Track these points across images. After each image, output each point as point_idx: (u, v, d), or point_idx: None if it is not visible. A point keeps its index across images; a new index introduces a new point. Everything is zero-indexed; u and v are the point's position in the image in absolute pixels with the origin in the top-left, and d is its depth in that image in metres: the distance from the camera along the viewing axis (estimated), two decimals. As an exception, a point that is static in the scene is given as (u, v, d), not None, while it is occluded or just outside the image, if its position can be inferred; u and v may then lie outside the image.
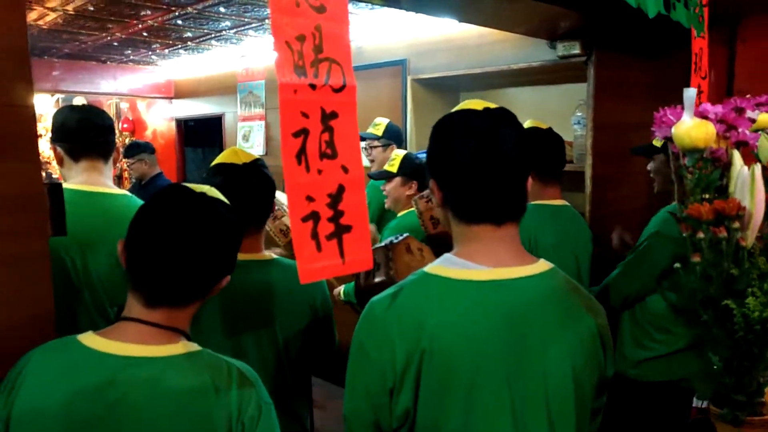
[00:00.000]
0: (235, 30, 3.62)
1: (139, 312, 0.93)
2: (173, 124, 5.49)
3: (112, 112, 5.83)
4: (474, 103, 0.97)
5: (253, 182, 1.42)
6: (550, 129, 1.95)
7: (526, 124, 1.93)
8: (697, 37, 1.77)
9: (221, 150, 5.12)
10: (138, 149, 4.08)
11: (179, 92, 5.35)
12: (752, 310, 0.78)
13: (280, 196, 2.18)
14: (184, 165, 5.70)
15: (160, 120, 5.66)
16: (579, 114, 2.59)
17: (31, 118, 1.06)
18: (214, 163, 1.47)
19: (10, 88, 1.02)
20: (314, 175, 0.84)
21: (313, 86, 0.85)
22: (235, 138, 4.65)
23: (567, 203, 1.99)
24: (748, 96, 1.46)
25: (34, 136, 1.05)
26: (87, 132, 1.75)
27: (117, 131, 5.66)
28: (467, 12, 2.25)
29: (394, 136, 2.85)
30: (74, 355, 0.89)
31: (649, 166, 2.13)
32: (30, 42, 1.07)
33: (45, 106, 5.45)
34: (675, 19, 1.66)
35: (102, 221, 1.70)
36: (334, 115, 0.87)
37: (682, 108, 0.94)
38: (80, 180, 1.75)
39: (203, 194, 0.98)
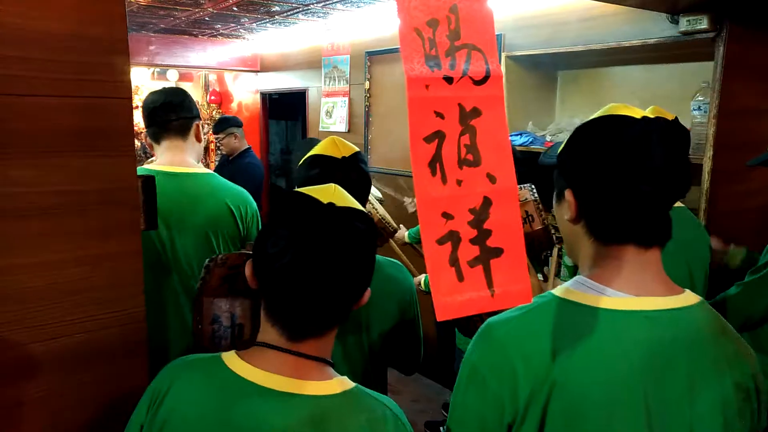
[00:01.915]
0: (322, 4, 3.53)
1: (280, 341, 0.84)
2: (258, 97, 5.55)
3: (200, 84, 5.99)
4: (626, 109, 0.85)
5: (350, 178, 1.34)
6: (676, 120, 1.70)
7: (649, 111, 1.70)
8: None
9: (304, 124, 5.15)
10: (228, 123, 4.14)
11: (265, 66, 5.39)
12: None
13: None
14: (268, 138, 5.77)
15: (245, 93, 5.74)
16: (700, 98, 2.31)
17: (129, 111, 1.03)
18: (312, 152, 1.40)
19: (107, 80, 0.99)
20: (453, 187, 0.72)
21: (449, 79, 0.72)
22: (319, 113, 4.61)
23: (683, 205, 1.78)
24: None
25: (131, 130, 1.03)
26: (159, 114, 1.77)
27: (205, 103, 5.82)
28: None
29: None
30: (224, 382, 0.82)
31: None
32: (129, 18, 1.02)
33: (142, 78, 5.67)
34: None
35: (186, 201, 1.72)
36: (476, 112, 0.74)
37: None
38: (163, 161, 1.78)
39: (332, 205, 0.84)
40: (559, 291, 0.85)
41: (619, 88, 2.90)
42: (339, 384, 0.86)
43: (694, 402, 0.78)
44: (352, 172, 1.36)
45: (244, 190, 1.87)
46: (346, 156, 1.36)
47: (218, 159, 4.92)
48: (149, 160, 2.24)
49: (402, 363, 1.50)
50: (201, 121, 1.89)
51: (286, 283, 0.82)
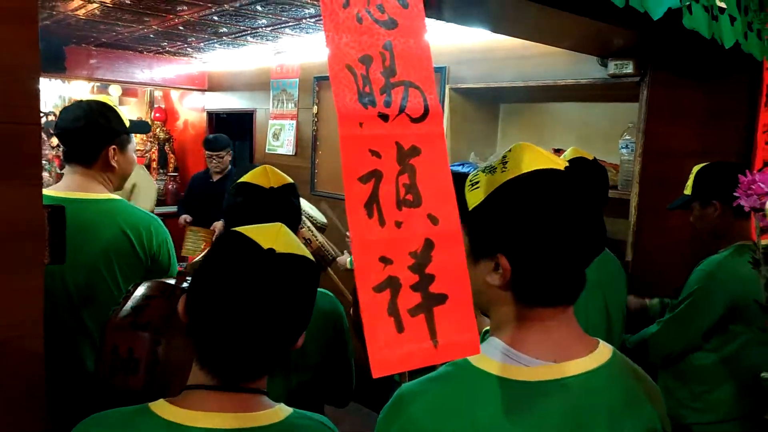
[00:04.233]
0: (271, 28, 3.54)
1: (212, 383, 0.83)
2: (204, 116, 5.46)
3: (145, 101, 5.84)
4: (544, 158, 0.80)
5: (275, 210, 1.30)
6: (595, 161, 1.78)
7: (569, 152, 1.77)
8: (771, 68, 1.62)
9: (251, 145, 5.06)
10: (226, 141, 4.07)
11: (212, 84, 5.32)
12: None
13: (302, 203, 2.08)
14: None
15: (192, 111, 5.64)
16: (627, 137, 2.44)
17: (37, 137, 0.95)
18: (241, 179, 1.37)
19: (15, 104, 0.92)
20: (391, 230, 0.66)
21: (385, 117, 0.67)
22: (266, 135, 4.59)
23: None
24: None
25: (38, 157, 0.94)
26: (62, 138, 1.65)
27: (149, 120, 5.68)
28: (507, 25, 2.13)
29: None
30: None
31: (691, 218, 1.96)
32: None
33: (82, 93, 5.48)
34: (747, 51, 1.52)
35: (78, 230, 1.51)
36: (415, 150, 0.69)
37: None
38: (61, 185, 1.65)
39: (272, 252, 0.82)
40: (475, 360, 0.79)
41: (556, 123, 3.03)
42: (281, 411, 0.87)
43: None
44: (278, 204, 1.32)
45: (152, 217, 1.74)
46: (275, 187, 1.34)
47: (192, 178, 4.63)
48: None
49: (333, 396, 1.48)
50: (130, 142, 1.75)
51: (216, 329, 0.81)
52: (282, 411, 0.87)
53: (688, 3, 1.29)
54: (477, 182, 0.83)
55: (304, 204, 2.10)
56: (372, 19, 0.70)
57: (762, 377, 0.77)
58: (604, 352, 0.84)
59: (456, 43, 3.12)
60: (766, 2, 1.64)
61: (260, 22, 3.40)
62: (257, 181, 1.35)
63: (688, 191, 1.92)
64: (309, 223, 2.02)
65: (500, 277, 0.78)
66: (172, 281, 1.17)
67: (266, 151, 4.58)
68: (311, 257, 0.90)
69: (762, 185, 0.82)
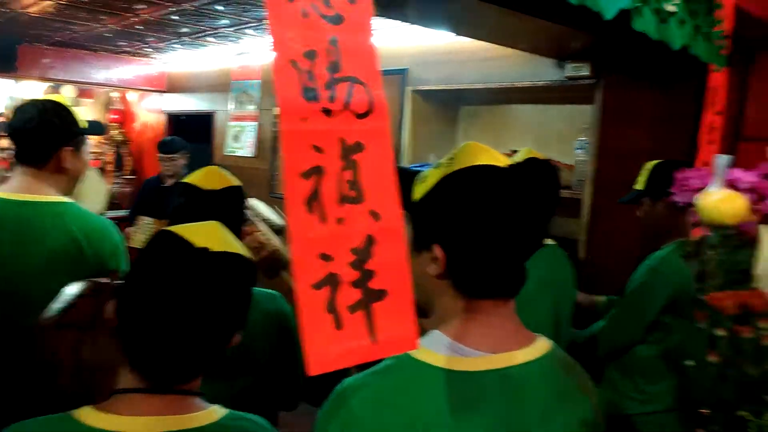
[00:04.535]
0: (233, 28, 3.50)
1: (143, 386, 0.81)
2: (163, 118, 5.35)
3: (101, 102, 5.69)
4: (488, 155, 0.83)
5: (215, 213, 1.28)
6: (547, 161, 1.81)
7: (523, 153, 1.80)
8: (716, 71, 1.68)
9: (211, 147, 4.95)
10: (183, 144, 3.91)
11: (172, 86, 5.22)
12: (774, 425, 0.69)
13: (257, 205, 2.05)
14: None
15: (150, 113, 5.52)
16: (583, 138, 2.50)
17: None
18: (185, 179, 1.36)
19: None
20: (332, 226, 0.65)
21: (328, 112, 0.67)
22: (225, 136, 4.52)
23: (553, 242, 1.83)
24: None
25: None
26: (13, 137, 1.58)
27: (105, 121, 5.54)
28: (464, 26, 2.15)
29: None
30: None
31: (639, 212, 2.02)
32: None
33: (34, 94, 5.31)
34: (693, 53, 1.56)
35: (22, 234, 1.51)
36: (358, 147, 0.68)
37: (708, 171, 0.84)
38: (7, 186, 1.57)
39: (205, 250, 0.81)
40: (417, 351, 0.79)
41: (515, 125, 3.07)
42: (216, 412, 0.85)
43: None
44: (219, 206, 1.29)
45: (105, 221, 1.68)
46: (216, 189, 1.31)
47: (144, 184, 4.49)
48: None
49: (282, 399, 1.46)
50: (84, 143, 1.69)
51: (148, 329, 0.79)
52: (216, 412, 0.85)
53: (638, 5, 1.32)
54: (425, 177, 0.85)
55: (261, 206, 2.07)
56: (318, 14, 0.69)
57: (686, 365, 0.79)
58: (542, 345, 0.86)
59: (417, 44, 3.14)
60: (714, 6, 1.69)
61: (222, 22, 3.36)
62: (198, 182, 1.33)
63: (639, 186, 1.97)
64: (264, 227, 1.99)
65: (437, 267, 0.80)
66: (107, 280, 1.14)
67: (225, 153, 4.51)
68: (247, 255, 0.88)
69: (695, 181, 0.85)
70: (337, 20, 0.70)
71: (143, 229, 3.75)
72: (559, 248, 1.85)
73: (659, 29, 1.39)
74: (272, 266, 1.90)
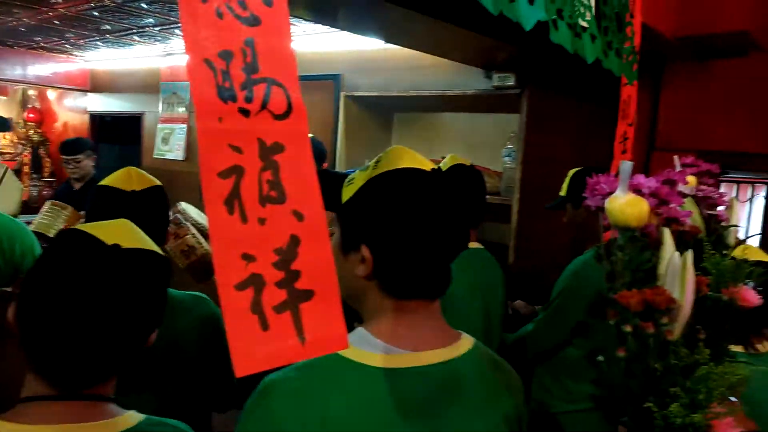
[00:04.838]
0: (159, 28, 3.39)
1: (49, 393, 0.76)
2: (87, 118, 5.10)
3: (17, 100, 5.35)
4: (413, 159, 0.85)
5: (138, 214, 1.24)
6: (472, 167, 1.85)
7: (448, 159, 1.84)
8: (627, 84, 1.78)
9: (140, 150, 4.75)
10: (87, 145, 3.65)
11: (96, 85, 4.98)
12: (675, 415, 0.74)
13: (187, 209, 1.99)
14: (98, 162, 5.30)
15: (73, 113, 5.24)
16: (510, 146, 2.59)
17: None
18: (101, 182, 1.30)
19: None
20: (254, 226, 0.64)
21: (245, 112, 0.66)
22: (154, 139, 4.36)
23: (481, 246, 1.89)
24: (675, 156, 1.47)
25: None
26: None
27: (21, 121, 5.20)
28: (395, 34, 2.18)
29: (316, 153, 2.74)
30: None
31: (564, 218, 2.11)
32: None
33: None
34: (606, 67, 1.66)
35: None
36: (278, 147, 0.68)
37: (616, 177, 0.89)
38: None
39: (117, 247, 0.79)
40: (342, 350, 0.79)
41: (448, 132, 3.14)
42: (131, 417, 0.81)
43: None
44: (141, 207, 1.26)
45: (18, 223, 1.61)
46: (137, 190, 1.28)
47: (58, 188, 4.21)
48: None
49: (213, 401, 1.42)
50: None
51: (54, 331, 0.75)
52: (132, 418, 0.82)
53: (554, 18, 1.39)
54: (353, 179, 0.86)
55: (191, 210, 2.01)
56: (233, 15, 0.68)
57: (598, 360, 0.83)
58: (465, 343, 0.88)
59: (351, 50, 3.15)
60: (624, 24, 1.80)
61: (147, 20, 3.24)
62: (118, 184, 1.28)
63: (563, 193, 2.06)
64: (194, 230, 1.93)
65: (364, 268, 0.81)
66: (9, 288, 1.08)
67: (154, 156, 4.35)
68: (161, 252, 0.87)
69: (604, 186, 0.90)
70: (254, 22, 0.70)
71: (50, 214, 3.32)
72: (488, 253, 1.90)
73: (574, 43, 1.46)
74: (203, 270, 1.85)
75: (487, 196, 2.39)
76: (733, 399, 0.82)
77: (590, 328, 1.85)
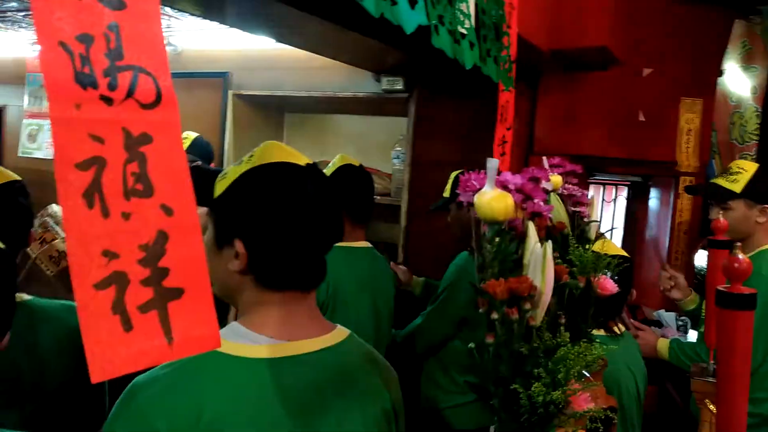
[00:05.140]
0: (23, 13, 3.09)
1: None
2: (-62, 112, 4.53)
3: None
4: (287, 153, 0.86)
5: None
6: (361, 167, 1.89)
7: (337, 160, 1.86)
8: (504, 90, 1.89)
9: (0, 147, 4.29)
10: None
11: (-51, 74, 4.45)
12: (537, 393, 0.79)
13: (58, 212, 1.86)
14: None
15: None
16: (399, 149, 2.65)
17: None
18: None
19: None
20: (117, 221, 0.60)
21: (108, 100, 0.62)
22: (18, 136, 3.98)
23: (370, 245, 1.93)
24: (544, 157, 1.58)
25: None
26: None
27: None
28: (286, 34, 2.17)
29: (202, 153, 2.65)
30: None
31: (448, 217, 2.20)
32: None
33: None
34: (486, 74, 1.75)
35: None
36: (146, 138, 0.64)
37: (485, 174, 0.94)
38: None
39: None
40: None
41: (338, 135, 3.16)
42: None
43: None
44: (2, 203, 1.18)
45: None
46: None
47: None
48: None
49: (85, 420, 1.32)
50: None
51: None
52: None
53: (435, 23, 1.44)
54: (226, 174, 0.85)
55: (59, 211, 1.86)
56: None
57: (470, 348, 0.88)
58: (339, 333, 0.90)
59: (240, 48, 3.06)
60: (501, 33, 1.91)
61: (9, 4, 2.95)
62: None
63: (446, 194, 2.15)
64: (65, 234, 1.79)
65: (239, 263, 0.81)
66: None
67: (20, 154, 3.96)
68: (2, 247, 0.81)
69: (474, 182, 0.95)
70: (118, 6, 0.64)
71: None
72: (377, 251, 1.93)
73: (454, 49, 1.53)
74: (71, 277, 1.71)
75: (378, 197, 2.44)
76: (587, 375, 0.89)
77: (473, 320, 1.94)
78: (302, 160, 0.86)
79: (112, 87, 0.63)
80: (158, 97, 0.67)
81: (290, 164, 0.84)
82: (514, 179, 0.95)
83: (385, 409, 0.90)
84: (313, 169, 0.86)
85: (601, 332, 1.59)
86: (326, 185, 0.86)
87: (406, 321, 2.14)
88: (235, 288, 0.85)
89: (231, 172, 0.84)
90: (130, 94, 0.64)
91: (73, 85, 0.60)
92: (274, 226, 0.81)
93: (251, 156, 0.85)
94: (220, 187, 0.84)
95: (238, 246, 0.81)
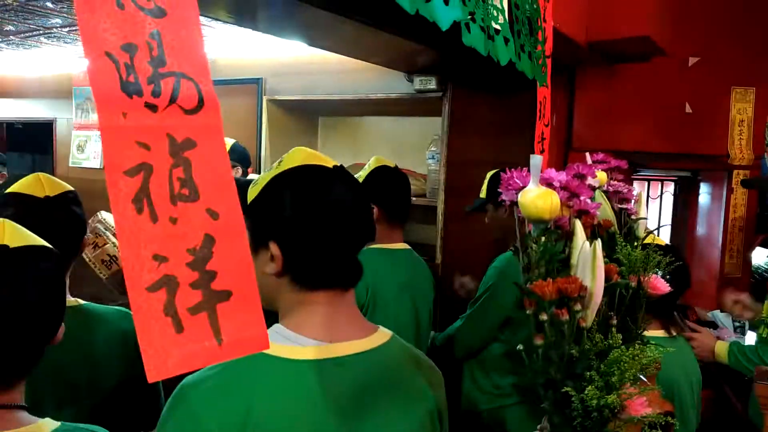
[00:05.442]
0: (68, 29, 3.19)
1: None
2: (-8, 126, 4.75)
3: None
4: (315, 156, 0.88)
5: (55, 220, 1.21)
6: (396, 168, 1.87)
7: (372, 161, 1.84)
8: (540, 86, 1.84)
9: (52, 158, 4.49)
10: None
11: (3, 91, 4.64)
12: (590, 397, 0.76)
13: (108, 218, 1.92)
14: (9, 172, 4.94)
15: (-25, 121, 4.86)
16: (433, 149, 2.62)
17: None
18: (11, 189, 1.24)
19: None
20: (165, 226, 0.62)
21: (153, 107, 0.64)
22: (69, 147, 4.12)
23: (408, 247, 1.91)
24: (587, 153, 1.53)
25: None
26: None
27: None
28: (318, 37, 2.17)
29: (241, 158, 2.69)
30: None
31: (486, 218, 2.16)
32: None
33: None
34: (520, 70, 1.71)
35: None
36: (190, 143, 0.66)
37: (529, 171, 0.91)
38: None
39: (5, 248, 0.79)
40: None
41: (372, 136, 3.15)
42: (45, 425, 0.81)
43: None
44: (58, 212, 1.23)
45: None
46: (51, 195, 1.23)
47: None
48: None
49: (139, 419, 1.36)
50: None
51: None
52: (46, 425, 0.81)
53: (467, 21, 1.41)
54: (257, 181, 0.88)
55: (110, 218, 1.93)
56: (136, 6, 0.65)
57: (518, 350, 0.85)
58: (381, 335, 0.90)
59: (273, 56, 3.09)
60: (535, 28, 1.86)
61: (53, 21, 3.05)
62: (29, 190, 1.23)
63: (482, 194, 2.11)
64: (115, 239, 1.85)
65: (275, 265, 0.84)
66: None
67: (70, 164, 4.11)
68: (50, 246, 0.86)
69: (517, 181, 0.92)
70: (159, 14, 0.66)
71: None
72: (416, 253, 1.92)
73: (487, 45, 1.50)
74: (125, 281, 1.75)
75: (414, 199, 2.42)
76: (643, 379, 0.85)
77: (515, 322, 1.89)
78: (329, 162, 0.88)
79: (156, 94, 0.64)
80: (200, 102, 0.68)
81: (317, 166, 0.86)
82: (559, 176, 0.91)
83: (430, 410, 0.89)
84: (340, 170, 0.88)
85: (655, 333, 1.53)
86: (354, 184, 0.88)
87: (447, 325, 2.11)
88: (273, 291, 0.87)
89: (261, 178, 0.87)
90: (173, 100, 0.65)
91: (120, 93, 0.62)
92: (305, 226, 0.82)
93: (280, 162, 0.88)
94: (252, 193, 0.87)
95: (273, 248, 0.83)
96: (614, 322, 0.91)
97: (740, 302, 2.15)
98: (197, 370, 0.78)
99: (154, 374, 0.59)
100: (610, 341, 0.84)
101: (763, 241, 2.45)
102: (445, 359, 1.99)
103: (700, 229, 3.04)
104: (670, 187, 3.50)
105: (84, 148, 4.04)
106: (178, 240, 0.63)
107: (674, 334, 1.57)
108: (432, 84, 2.40)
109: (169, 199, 0.63)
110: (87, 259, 1.87)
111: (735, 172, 2.66)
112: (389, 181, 1.81)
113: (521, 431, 1.84)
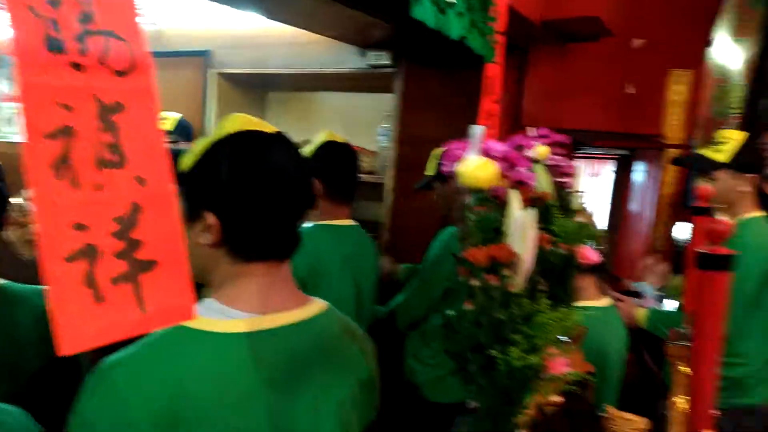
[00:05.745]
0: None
1: None
2: None
3: None
4: (253, 122, 0.84)
5: None
6: (346, 143, 1.85)
7: (323, 136, 1.82)
8: (488, 62, 1.86)
9: (-24, 136, 4.14)
10: None
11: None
12: (514, 358, 0.79)
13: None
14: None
15: None
16: (385, 126, 2.62)
17: None
18: None
19: None
20: (89, 193, 0.59)
21: (78, 66, 0.60)
22: (-1, 120, 3.90)
23: (356, 223, 1.89)
24: (530, 128, 1.57)
25: None
26: None
27: None
28: (276, 9, 2.12)
29: (184, 133, 2.61)
30: None
31: (435, 195, 2.18)
32: None
33: None
34: (470, 46, 1.72)
35: None
36: (118, 107, 0.63)
37: (468, 143, 0.93)
38: None
39: None
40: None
41: (323, 112, 3.11)
42: None
43: (317, 411, 0.81)
44: None
45: None
46: None
47: None
48: None
49: (63, 402, 1.32)
50: None
51: None
52: None
53: (418, -7, 1.40)
54: (193, 148, 0.84)
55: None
56: None
57: (448, 314, 0.87)
58: (316, 306, 0.89)
59: (222, 27, 3.00)
60: (488, 3, 1.87)
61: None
62: None
63: (430, 172, 2.12)
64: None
65: (210, 236, 0.80)
66: None
67: (-2, 138, 3.89)
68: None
69: (458, 152, 0.93)
70: None
71: None
72: (362, 229, 1.91)
73: (438, 19, 1.50)
74: (40, 250, 1.69)
75: (363, 175, 2.41)
76: (565, 339, 0.89)
77: (454, 293, 1.93)
78: (269, 128, 0.84)
79: (82, 52, 0.61)
80: (132, 64, 0.65)
81: (256, 131, 0.82)
82: (498, 147, 0.93)
83: (364, 379, 0.89)
84: (280, 136, 0.84)
85: (594, 303, 1.60)
86: (294, 151, 0.85)
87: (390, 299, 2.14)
88: (208, 263, 0.83)
89: (198, 144, 0.83)
90: (102, 61, 0.62)
91: (43, 50, 0.58)
92: (243, 193, 0.79)
93: (218, 129, 0.84)
94: (187, 160, 0.82)
95: (209, 218, 0.79)
96: (542, 288, 0.94)
97: (652, 270, 2.32)
98: (118, 347, 0.74)
99: (68, 346, 0.56)
100: (537, 306, 0.87)
101: (687, 215, 2.58)
102: (389, 332, 2.03)
103: (635, 206, 3.17)
104: (610, 166, 3.63)
105: (13, 121, 3.84)
106: (103, 208, 0.61)
107: (606, 303, 1.65)
108: (385, 59, 2.39)
109: (95, 164, 0.60)
110: (10, 239, 1.79)
111: (667, 151, 2.78)
112: (337, 156, 1.79)
113: (458, 400, 1.89)
